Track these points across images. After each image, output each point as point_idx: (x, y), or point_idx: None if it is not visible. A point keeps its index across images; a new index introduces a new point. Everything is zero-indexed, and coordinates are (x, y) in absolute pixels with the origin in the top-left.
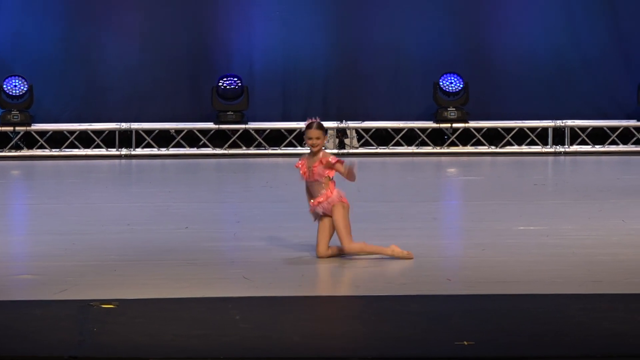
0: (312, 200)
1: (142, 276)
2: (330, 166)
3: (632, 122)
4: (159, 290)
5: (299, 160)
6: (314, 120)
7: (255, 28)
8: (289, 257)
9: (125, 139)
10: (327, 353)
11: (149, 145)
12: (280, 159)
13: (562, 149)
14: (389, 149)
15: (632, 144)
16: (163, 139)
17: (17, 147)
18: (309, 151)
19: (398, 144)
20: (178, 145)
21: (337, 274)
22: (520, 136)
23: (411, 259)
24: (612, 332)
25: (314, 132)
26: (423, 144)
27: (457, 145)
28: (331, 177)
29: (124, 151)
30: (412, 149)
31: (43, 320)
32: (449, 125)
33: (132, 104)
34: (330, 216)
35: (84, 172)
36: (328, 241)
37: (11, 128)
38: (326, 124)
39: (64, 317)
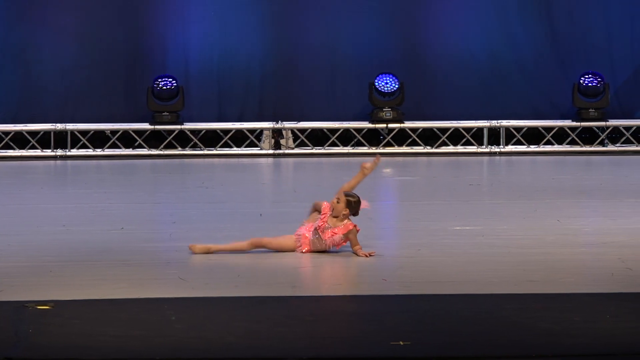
0: (309, 225)
1: (78, 277)
2: (349, 235)
3: (567, 122)
4: (95, 291)
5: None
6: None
7: (191, 28)
8: (224, 258)
9: (61, 139)
10: (263, 353)
11: (84, 146)
12: (216, 160)
13: (497, 149)
14: (324, 149)
15: (567, 143)
16: (98, 139)
17: None
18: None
19: (334, 144)
20: (113, 146)
21: (272, 274)
22: (456, 136)
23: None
24: (547, 332)
25: (341, 196)
26: (359, 144)
27: (392, 146)
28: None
29: (59, 152)
30: (348, 150)
31: None
32: (384, 125)
33: (67, 104)
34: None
35: (19, 173)
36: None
37: None
38: (262, 124)
39: None
